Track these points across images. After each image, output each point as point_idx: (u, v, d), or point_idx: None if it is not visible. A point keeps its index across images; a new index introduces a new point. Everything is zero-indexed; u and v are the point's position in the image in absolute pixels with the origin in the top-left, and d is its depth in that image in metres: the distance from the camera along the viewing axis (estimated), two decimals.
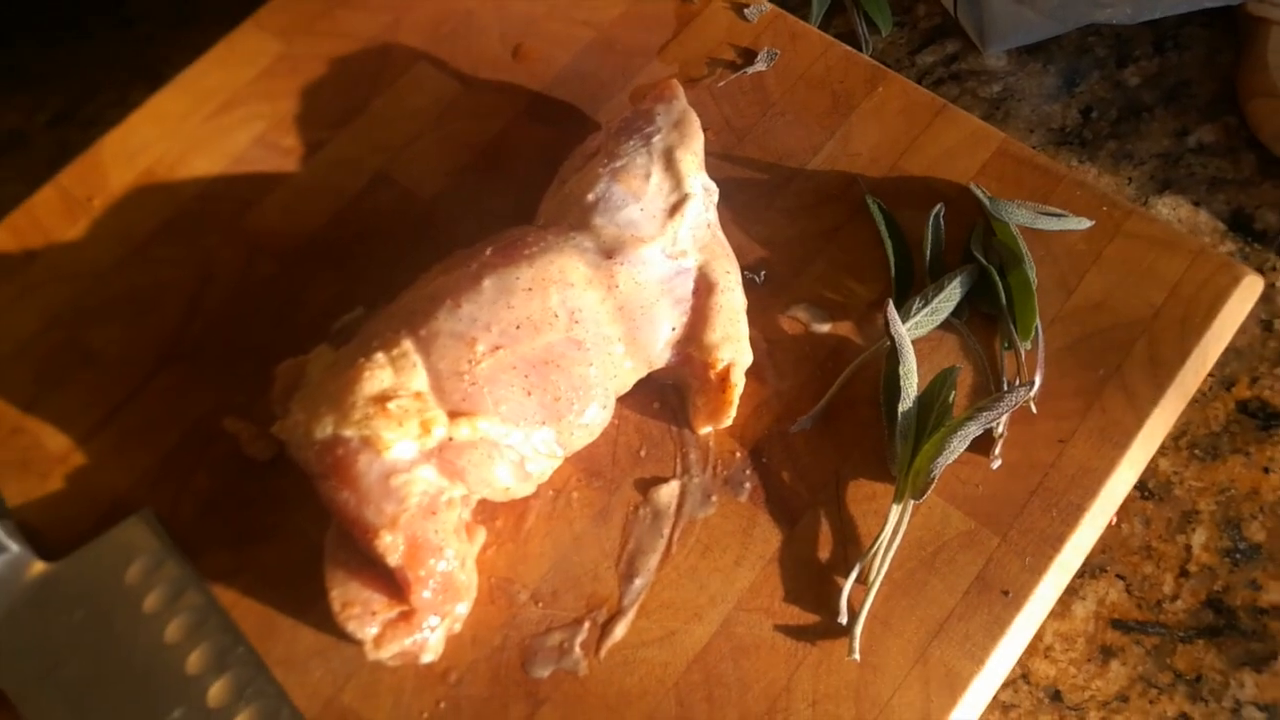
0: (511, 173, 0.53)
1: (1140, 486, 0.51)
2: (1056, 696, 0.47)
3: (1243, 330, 0.53)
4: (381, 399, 0.40)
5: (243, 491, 0.46)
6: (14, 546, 0.44)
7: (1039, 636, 0.48)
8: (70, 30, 0.71)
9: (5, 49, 0.71)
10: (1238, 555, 0.49)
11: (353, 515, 0.39)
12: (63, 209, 0.53)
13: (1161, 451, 0.52)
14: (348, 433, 0.40)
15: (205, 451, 0.47)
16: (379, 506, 0.39)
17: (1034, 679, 0.48)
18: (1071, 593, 0.49)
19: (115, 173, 0.54)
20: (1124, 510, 0.51)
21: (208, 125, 0.55)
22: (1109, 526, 0.50)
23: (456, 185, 0.53)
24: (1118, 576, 0.49)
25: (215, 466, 0.47)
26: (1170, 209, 0.58)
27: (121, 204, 0.54)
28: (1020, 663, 0.48)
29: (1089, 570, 0.49)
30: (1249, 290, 0.47)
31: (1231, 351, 0.54)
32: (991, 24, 0.60)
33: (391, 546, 0.39)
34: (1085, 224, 0.48)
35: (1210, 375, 0.53)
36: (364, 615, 0.40)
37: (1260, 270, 0.55)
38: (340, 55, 0.57)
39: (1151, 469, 0.51)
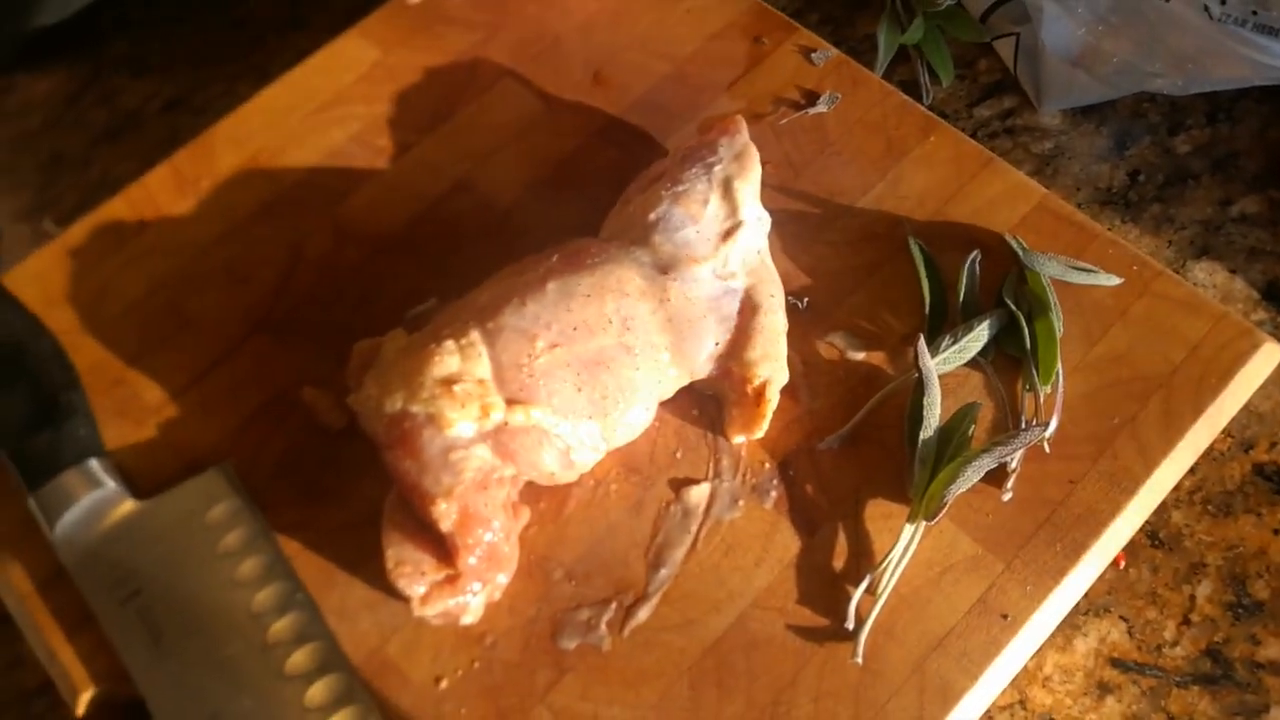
0: (582, 189, 0.56)
1: (1151, 535, 0.53)
2: None
3: (1267, 396, 0.55)
4: (448, 382, 0.43)
5: (314, 455, 0.50)
6: (110, 483, 0.48)
7: (1039, 666, 0.50)
8: (187, 26, 0.77)
9: (128, 39, 0.77)
10: (1240, 610, 0.51)
11: (413, 483, 0.43)
12: (174, 186, 0.57)
13: (1176, 504, 0.53)
14: (415, 409, 0.43)
15: (284, 416, 0.51)
16: (437, 477, 0.42)
17: (1031, 705, 0.50)
18: (1075, 628, 0.51)
19: (224, 157, 0.58)
20: (1133, 555, 0.52)
21: (309, 121, 0.59)
22: (1117, 570, 0.52)
23: (531, 196, 0.56)
24: (1121, 618, 0.51)
25: (292, 430, 0.50)
26: (1207, 274, 0.59)
27: (227, 185, 0.57)
28: (1019, 689, 0.50)
29: (1094, 609, 0.51)
30: (1268, 356, 0.49)
31: (1254, 415, 0.55)
32: (1048, 84, 0.62)
33: (445, 514, 0.42)
34: (1114, 281, 0.50)
35: (1231, 436, 0.55)
36: (414, 574, 0.43)
37: None
38: (433, 66, 0.60)
39: (1164, 519, 0.53)
